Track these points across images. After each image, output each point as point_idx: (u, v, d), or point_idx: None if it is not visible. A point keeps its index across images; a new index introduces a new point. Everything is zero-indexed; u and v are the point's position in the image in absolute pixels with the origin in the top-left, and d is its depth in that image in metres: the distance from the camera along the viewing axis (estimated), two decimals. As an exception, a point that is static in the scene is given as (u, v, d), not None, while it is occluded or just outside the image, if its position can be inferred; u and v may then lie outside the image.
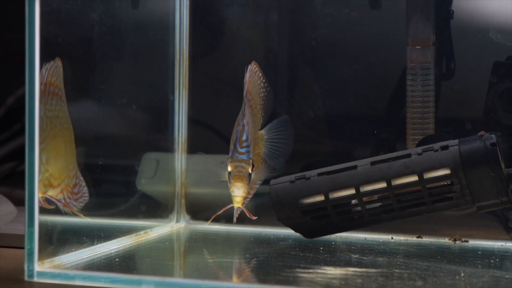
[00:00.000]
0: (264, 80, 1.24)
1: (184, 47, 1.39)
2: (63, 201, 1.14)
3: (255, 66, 1.22)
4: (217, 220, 1.29)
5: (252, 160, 1.17)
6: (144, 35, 1.39)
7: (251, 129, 1.19)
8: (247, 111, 1.19)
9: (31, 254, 1.07)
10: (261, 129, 1.26)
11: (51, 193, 1.12)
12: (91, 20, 1.28)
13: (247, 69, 1.21)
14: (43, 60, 1.05)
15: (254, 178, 1.21)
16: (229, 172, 1.17)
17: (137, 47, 1.37)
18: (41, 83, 1.07)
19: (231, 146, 1.17)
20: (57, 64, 1.12)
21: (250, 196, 1.23)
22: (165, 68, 1.38)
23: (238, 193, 1.17)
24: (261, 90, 1.24)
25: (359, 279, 1.10)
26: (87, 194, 1.18)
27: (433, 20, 1.32)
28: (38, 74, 1.04)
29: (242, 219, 1.24)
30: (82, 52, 1.21)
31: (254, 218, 1.24)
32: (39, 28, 1.04)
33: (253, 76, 1.22)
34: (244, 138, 1.16)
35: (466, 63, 1.36)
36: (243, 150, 1.16)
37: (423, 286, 1.05)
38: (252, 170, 1.17)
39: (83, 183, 1.18)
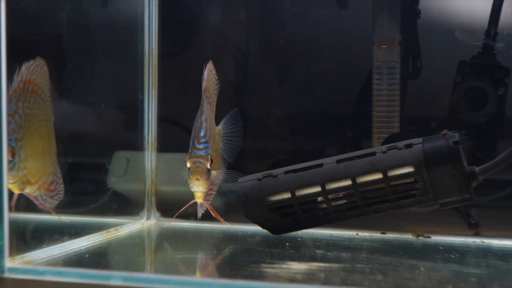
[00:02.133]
0: (217, 78, 1.28)
1: (154, 46, 1.42)
2: (39, 199, 1.17)
3: (211, 64, 1.26)
4: (186, 217, 1.33)
5: (211, 156, 1.20)
6: (113, 34, 1.42)
7: (209, 126, 1.22)
8: (206, 108, 1.23)
9: (1, 250, 1.10)
10: (217, 125, 1.29)
11: (28, 190, 1.15)
12: (59, 18, 1.32)
13: (205, 67, 1.24)
14: (13, 59, 1.07)
15: (215, 175, 1.25)
16: (188, 168, 1.20)
17: (106, 46, 1.41)
18: (20, 81, 1.12)
19: (190, 143, 1.21)
20: (38, 63, 1.16)
21: (214, 193, 1.27)
22: (135, 67, 1.41)
23: (198, 189, 1.21)
24: (216, 87, 1.28)
25: (322, 274, 1.13)
26: (62, 192, 1.22)
27: (399, 19, 1.36)
28: (4, 72, 1.05)
29: (211, 216, 1.27)
30: (50, 51, 1.24)
31: (227, 224, 1.30)
32: (4, 27, 1.05)
33: (210, 74, 1.25)
34: (202, 134, 1.20)
35: (431, 62, 1.39)
36: (201, 146, 1.20)
37: (383, 280, 1.08)
38: (210, 165, 1.20)
39: (60, 180, 1.22)
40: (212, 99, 1.27)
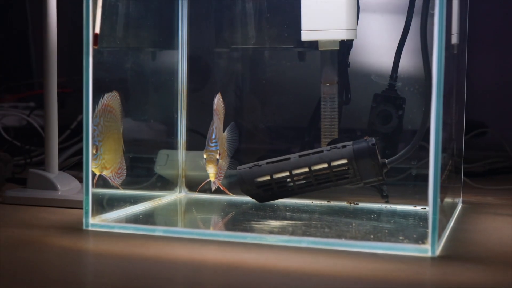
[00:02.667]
0: (223, 103, 1.22)
1: (184, 84, 1.35)
2: (111, 178, 1.13)
3: (219, 95, 1.21)
4: (204, 191, 1.26)
5: (219, 151, 1.16)
6: (159, 77, 1.36)
7: (218, 132, 1.17)
8: (216, 121, 1.18)
9: (86, 212, 1.07)
10: (224, 132, 1.24)
11: (105, 172, 1.11)
12: (126, 67, 1.27)
13: (215, 97, 1.20)
14: (97, 92, 1.07)
15: (222, 164, 1.20)
16: (205, 158, 1.16)
17: (154, 84, 1.35)
18: (102, 105, 1.10)
19: (206, 142, 1.16)
20: (113, 93, 1.13)
21: (223, 175, 1.21)
22: (172, 97, 1.34)
23: (210, 171, 1.16)
24: (223, 109, 1.23)
25: (290, 228, 1.09)
26: (125, 175, 1.17)
27: (336, 67, 1.30)
28: (91, 101, 1.06)
29: (220, 191, 1.22)
30: (121, 86, 1.18)
31: (231, 194, 1.23)
32: (92, 73, 1.06)
33: (219, 101, 1.20)
34: (213, 137, 1.15)
35: (357, 94, 1.33)
36: (212, 145, 1.15)
37: (329, 231, 1.05)
38: (219, 156, 1.16)
39: (124, 167, 1.17)
40: (220, 116, 1.21)
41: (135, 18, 1.29)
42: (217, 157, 1.15)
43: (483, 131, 1.81)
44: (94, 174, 1.08)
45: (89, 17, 1.05)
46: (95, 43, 1.06)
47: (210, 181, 1.17)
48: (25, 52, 2.17)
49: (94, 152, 1.08)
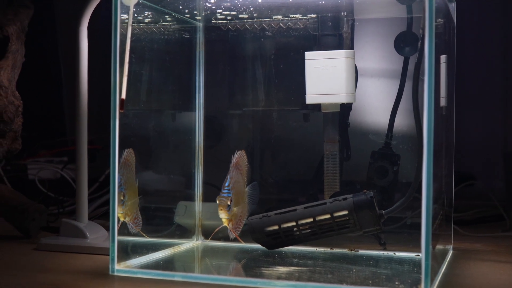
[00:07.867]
0: (247, 161, 1.22)
1: (200, 143, 1.36)
2: (131, 225, 1.14)
3: (243, 152, 1.20)
4: (218, 239, 1.25)
5: (231, 198, 1.14)
6: (177, 135, 1.37)
7: (234, 183, 1.15)
8: (234, 173, 1.16)
9: (113, 259, 1.07)
10: (245, 188, 1.23)
11: (127, 219, 1.12)
12: (149, 127, 1.29)
13: (236, 152, 1.19)
14: (122, 148, 1.09)
15: (241, 216, 1.18)
16: (217, 203, 1.14)
17: (174, 142, 1.36)
18: (123, 158, 1.11)
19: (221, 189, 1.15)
20: (130, 151, 1.13)
21: (240, 227, 1.19)
22: (190, 155, 1.35)
23: (221, 215, 1.14)
24: (247, 166, 1.22)
25: (296, 273, 1.08)
26: (141, 224, 1.16)
27: (337, 128, 1.30)
28: (117, 157, 1.07)
29: (235, 239, 1.20)
30: (138, 145, 1.18)
31: (243, 242, 1.21)
32: (118, 133, 1.07)
33: (241, 157, 1.19)
34: (226, 185, 1.14)
35: (356, 152, 1.33)
36: (224, 191, 1.14)
37: (332, 277, 1.04)
38: (230, 203, 1.13)
39: (140, 218, 1.17)
40: (243, 171, 1.20)
41: (157, 84, 1.31)
42: (228, 203, 1.13)
43: (471, 183, 1.80)
44: (118, 220, 1.08)
45: (116, 84, 1.07)
46: (121, 107, 1.07)
47: (225, 227, 1.15)
48: (59, 114, 2.20)
49: (122, 198, 1.09)
